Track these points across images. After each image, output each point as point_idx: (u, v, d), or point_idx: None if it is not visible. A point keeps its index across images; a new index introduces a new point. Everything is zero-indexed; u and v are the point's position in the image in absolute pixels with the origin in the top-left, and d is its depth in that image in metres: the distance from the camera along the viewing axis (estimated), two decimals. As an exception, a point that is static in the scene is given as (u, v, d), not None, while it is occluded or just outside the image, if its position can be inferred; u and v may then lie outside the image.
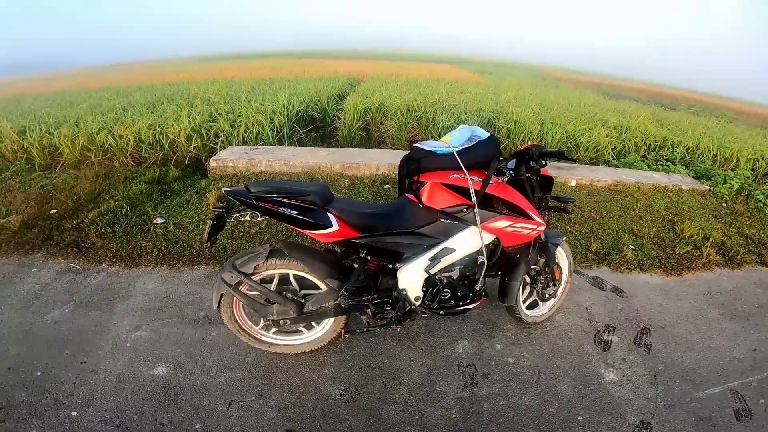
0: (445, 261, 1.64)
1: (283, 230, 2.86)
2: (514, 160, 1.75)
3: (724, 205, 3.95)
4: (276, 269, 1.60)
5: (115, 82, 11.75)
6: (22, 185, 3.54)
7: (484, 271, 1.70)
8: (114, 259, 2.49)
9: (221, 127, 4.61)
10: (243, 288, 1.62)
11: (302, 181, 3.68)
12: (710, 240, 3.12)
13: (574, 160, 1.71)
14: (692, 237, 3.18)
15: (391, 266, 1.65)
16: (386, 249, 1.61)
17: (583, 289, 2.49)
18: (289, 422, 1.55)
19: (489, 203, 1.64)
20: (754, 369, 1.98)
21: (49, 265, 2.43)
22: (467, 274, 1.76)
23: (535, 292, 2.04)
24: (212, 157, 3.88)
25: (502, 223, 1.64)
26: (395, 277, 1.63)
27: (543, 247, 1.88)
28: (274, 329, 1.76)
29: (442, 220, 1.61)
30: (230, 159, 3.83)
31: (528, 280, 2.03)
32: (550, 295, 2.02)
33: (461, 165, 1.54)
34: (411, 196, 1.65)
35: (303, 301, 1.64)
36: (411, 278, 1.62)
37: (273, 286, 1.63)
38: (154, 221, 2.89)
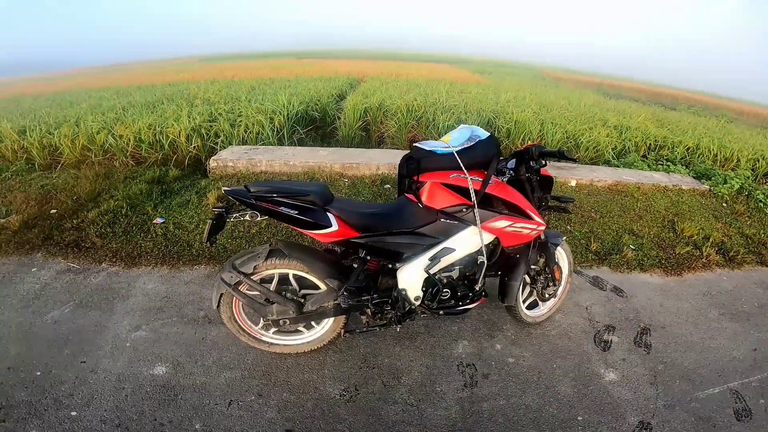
0: (445, 261, 1.64)
1: (282, 230, 2.86)
2: (514, 160, 1.75)
3: (724, 205, 3.95)
4: (276, 269, 1.60)
5: (115, 82, 11.75)
6: (22, 185, 3.54)
7: (483, 271, 1.69)
8: (114, 259, 2.49)
9: (221, 127, 4.61)
10: (243, 288, 1.62)
11: (302, 180, 3.68)
12: (710, 240, 3.12)
13: (574, 160, 1.71)
14: (692, 237, 3.17)
15: (390, 266, 1.64)
16: (386, 249, 1.60)
17: (583, 289, 2.48)
18: (289, 422, 1.55)
19: (489, 203, 1.64)
20: (754, 369, 1.97)
21: (49, 264, 2.43)
22: (467, 274, 1.76)
23: (535, 292, 2.04)
24: (212, 157, 3.88)
25: (501, 223, 1.64)
26: (395, 277, 1.63)
27: (543, 247, 1.87)
28: (273, 329, 1.76)
29: (442, 219, 1.61)
30: (230, 159, 3.83)
31: (528, 280, 2.03)
32: (550, 295, 2.02)
33: (461, 165, 1.53)
34: (411, 196, 1.65)
35: (303, 300, 1.64)
36: (411, 278, 1.62)
37: (273, 286, 1.62)
38: (154, 221, 2.89)
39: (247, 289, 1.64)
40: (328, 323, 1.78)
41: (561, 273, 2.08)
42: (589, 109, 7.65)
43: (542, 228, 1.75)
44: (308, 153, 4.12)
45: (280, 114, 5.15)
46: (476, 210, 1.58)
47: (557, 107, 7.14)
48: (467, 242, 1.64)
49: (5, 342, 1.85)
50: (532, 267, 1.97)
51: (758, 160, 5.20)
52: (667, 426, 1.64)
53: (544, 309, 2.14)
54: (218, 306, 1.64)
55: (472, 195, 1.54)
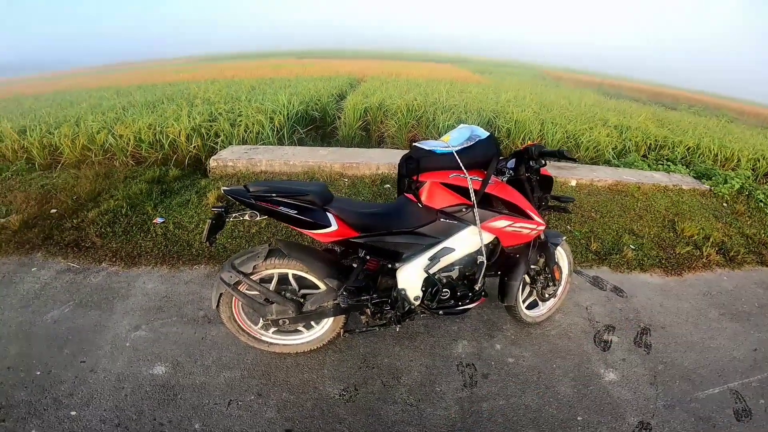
0: (445, 261, 1.63)
1: (282, 230, 2.86)
2: (513, 160, 1.75)
3: (724, 204, 3.94)
4: (275, 269, 1.60)
5: (115, 81, 11.75)
6: (22, 185, 3.54)
7: (483, 270, 1.69)
8: (114, 259, 2.49)
9: (221, 127, 4.61)
10: (242, 287, 1.62)
11: (302, 180, 3.68)
12: (711, 240, 3.12)
13: (574, 160, 1.71)
14: (693, 237, 3.17)
15: (390, 266, 1.64)
16: (385, 249, 1.60)
17: (583, 289, 2.48)
18: (288, 422, 1.55)
19: (488, 203, 1.64)
20: (754, 369, 1.97)
21: (49, 264, 2.44)
22: (467, 273, 1.76)
23: (534, 292, 2.03)
24: (212, 157, 3.88)
25: (501, 223, 1.64)
26: (394, 277, 1.63)
27: (543, 246, 1.87)
28: (273, 329, 1.76)
29: (442, 219, 1.60)
30: (230, 158, 3.83)
31: (528, 279, 2.03)
32: (549, 295, 2.02)
33: (461, 164, 1.53)
34: (410, 196, 1.64)
35: (302, 300, 1.64)
36: (410, 278, 1.62)
37: (272, 286, 1.62)
38: (154, 221, 2.89)
39: (246, 289, 1.64)
40: (327, 323, 1.78)
41: (561, 273, 2.08)
42: (589, 108, 7.64)
43: (542, 228, 1.75)
44: (308, 153, 4.12)
45: (280, 114, 5.15)
46: (476, 210, 1.57)
47: (557, 107, 7.13)
48: (467, 242, 1.64)
49: (5, 342, 1.86)
50: (532, 267, 1.97)
51: (759, 160, 5.19)
52: (666, 426, 1.64)
53: (543, 309, 2.14)
54: (218, 306, 1.64)
55: (472, 195, 1.54)
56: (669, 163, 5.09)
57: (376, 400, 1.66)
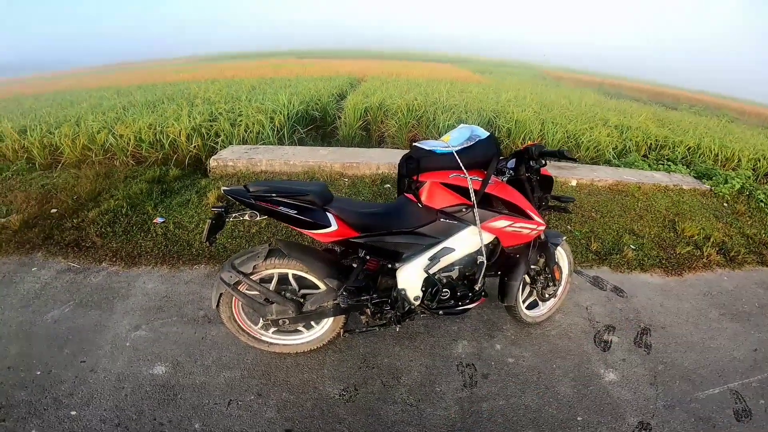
0: (445, 261, 1.63)
1: (282, 230, 2.86)
2: (513, 160, 1.75)
3: (725, 205, 3.94)
4: (275, 269, 1.60)
5: (115, 81, 11.75)
6: (22, 184, 3.55)
7: (483, 270, 1.69)
8: (114, 259, 2.49)
9: (221, 127, 4.61)
10: (242, 287, 1.62)
11: (302, 180, 3.68)
12: (711, 240, 3.12)
13: (575, 160, 1.71)
14: (693, 237, 3.17)
15: (390, 266, 1.64)
16: (385, 249, 1.60)
17: (583, 289, 2.48)
18: (288, 422, 1.55)
19: (488, 203, 1.64)
20: (754, 369, 1.97)
21: (49, 264, 2.44)
22: (467, 273, 1.76)
23: (534, 292, 2.03)
24: (212, 157, 3.88)
25: (501, 223, 1.64)
26: (394, 277, 1.63)
27: (543, 246, 1.87)
28: (273, 329, 1.76)
29: (442, 219, 1.60)
30: (230, 158, 3.83)
31: (528, 280, 2.03)
32: (549, 295, 2.02)
33: (461, 164, 1.53)
34: (410, 196, 1.64)
35: (302, 300, 1.64)
36: (410, 278, 1.62)
37: (272, 286, 1.62)
38: (154, 220, 2.89)
39: (246, 289, 1.64)
40: (327, 323, 1.78)
41: (561, 273, 2.08)
42: (589, 108, 7.63)
43: (542, 228, 1.75)
44: (308, 152, 4.12)
45: (281, 113, 5.15)
46: (476, 210, 1.57)
47: (558, 107, 7.12)
48: (467, 242, 1.63)
49: (5, 341, 1.86)
50: (532, 267, 1.97)
51: (759, 160, 5.18)
52: (666, 426, 1.64)
53: (544, 309, 2.14)
54: (218, 306, 1.64)
55: (472, 195, 1.54)
56: (669, 163, 5.09)
57: (376, 400, 1.66)
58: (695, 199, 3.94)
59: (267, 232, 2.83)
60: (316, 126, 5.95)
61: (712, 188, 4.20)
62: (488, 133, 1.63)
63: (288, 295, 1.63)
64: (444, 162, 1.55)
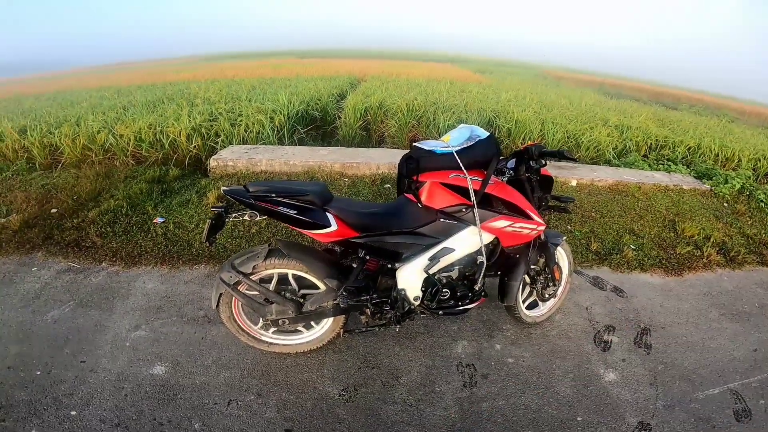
0: (445, 261, 1.63)
1: (282, 229, 2.86)
2: (513, 160, 1.75)
3: (725, 205, 3.94)
4: (275, 269, 1.60)
5: (115, 81, 11.75)
6: (22, 184, 3.55)
7: (483, 271, 1.69)
8: (114, 259, 2.49)
9: (221, 127, 4.61)
10: (242, 287, 1.62)
11: (302, 180, 3.68)
12: (711, 240, 3.12)
13: (575, 160, 1.71)
14: (693, 237, 3.17)
15: (390, 266, 1.64)
16: (385, 249, 1.60)
17: (583, 289, 2.48)
18: (288, 422, 1.55)
19: (488, 203, 1.64)
20: (754, 369, 1.97)
21: (50, 264, 2.44)
22: (466, 274, 1.76)
23: (534, 292, 2.03)
24: (212, 157, 3.88)
25: (501, 223, 1.64)
26: (394, 277, 1.63)
27: (543, 247, 1.87)
28: (273, 329, 1.76)
29: (442, 219, 1.60)
30: (230, 158, 3.83)
31: (528, 280, 2.02)
32: (549, 295, 2.02)
33: (460, 164, 1.53)
34: (410, 196, 1.64)
35: (302, 300, 1.64)
36: (410, 278, 1.62)
37: (272, 286, 1.62)
38: (154, 220, 2.89)
39: (246, 289, 1.64)
40: (327, 323, 1.78)
41: (561, 273, 2.08)
42: (590, 108, 7.63)
43: (542, 228, 1.75)
44: (308, 152, 4.12)
45: (281, 113, 5.15)
46: (476, 210, 1.57)
47: (558, 107, 7.12)
48: (467, 242, 1.63)
49: (5, 341, 1.86)
50: (532, 267, 1.97)
51: (759, 160, 5.18)
52: (666, 426, 1.64)
53: (543, 309, 2.14)
54: (217, 306, 1.64)
55: (472, 195, 1.54)
56: (670, 163, 5.08)
57: (375, 400, 1.66)
58: (695, 199, 3.94)
59: (267, 232, 2.83)
60: (316, 126, 5.95)
61: (713, 188, 4.20)
62: (488, 133, 1.63)
63: (288, 295, 1.63)
64: (444, 162, 1.55)
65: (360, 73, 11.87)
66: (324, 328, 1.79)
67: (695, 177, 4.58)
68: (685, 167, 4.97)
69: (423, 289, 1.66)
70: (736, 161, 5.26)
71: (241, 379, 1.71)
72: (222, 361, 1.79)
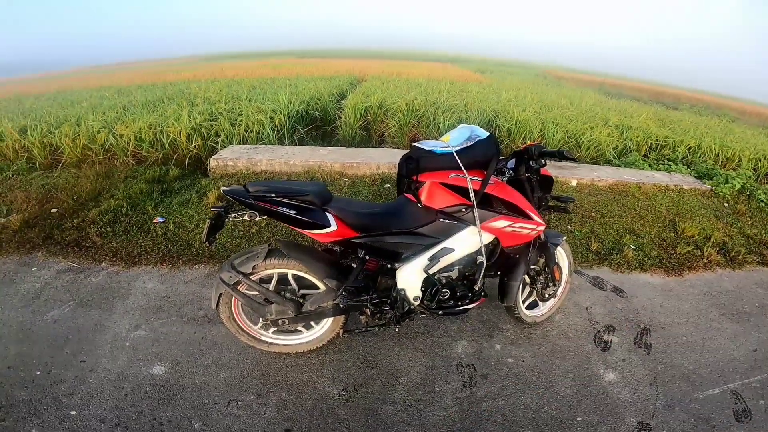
0: (444, 261, 1.63)
1: (282, 229, 2.86)
2: (513, 160, 1.75)
3: (725, 204, 3.93)
4: (274, 269, 1.60)
5: (116, 81, 11.76)
6: (22, 184, 3.55)
7: (483, 271, 1.69)
8: (114, 258, 2.50)
9: (222, 126, 4.61)
10: (241, 287, 1.62)
11: (302, 180, 3.68)
12: (711, 240, 3.11)
13: (575, 160, 1.71)
14: (693, 237, 3.16)
15: (389, 266, 1.64)
16: (385, 249, 1.60)
17: (583, 289, 2.48)
18: (288, 422, 1.55)
19: (488, 203, 1.64)
20: (754, 370, 1.97)
21: (50, 264, 2.44)
22: (466, 274, 1.76)
23: (534, 292, 2.03)
24: (212, 156, 3.88)
25: (501, 223, 1.64)
26: (394, 277, 1.63)
27: (543, 247, 1.87)
28: (272, 329, 1.76)
29: (441, 219, 1.60)
30: (230, 158, 3.83)
31: (528, 280, 2.02)
32: (549, 295, 2.01)
33: (460, 164, 1.53)
34: (410, 196, 1.64)
35: (302, 300, 1.64)
36: (410, 278, 1.62)
37: (272, 286, 1.62)
38: (155, 220, 2.90)
39: (246, 289, 1.64)
40: (327, 323, 1.78)
41: (561, 273, 2.08)
42: (590, 108, 7.63)
43: (542, 228, 1.75)
44: (308, 152, 4.12)
45: (281, 113, 5.15)
46: (475, 210, 1.57)
47: (558, 106, 7.12)
48: (466, 242, 1.63)
49: (5, 341, 1.86)
50: (532, 267, 1.97)
51: (760, 160, 5.17)
52: (666, 427, 1.63)
53: (543, 309, 2.13)
54: (217, 305, 1.64)
55: (472, 195, 1.54)
56: (670, 162, 5.08)
57: (375, 400, 1.66)
58: (696, 199, 3.94)
59: (267, 232, 2.83)
60: (316, 126, 5.95)
61: (713, 188, 4.20)
62: (488, 133, 1.63)
63: (287, 295, 1.63)
64: (444, 162, 1.55)
65: (360, 72, 11.87)
66: (324, 328, 1.79)
67: (696, 177, 4.58)
68: (686, 167, 4.96)
69: (423, 289, 1.66)
70: (736, 161, 5.25)
71: (240, 379, 1.71)
72: (222, 361, 1.79)
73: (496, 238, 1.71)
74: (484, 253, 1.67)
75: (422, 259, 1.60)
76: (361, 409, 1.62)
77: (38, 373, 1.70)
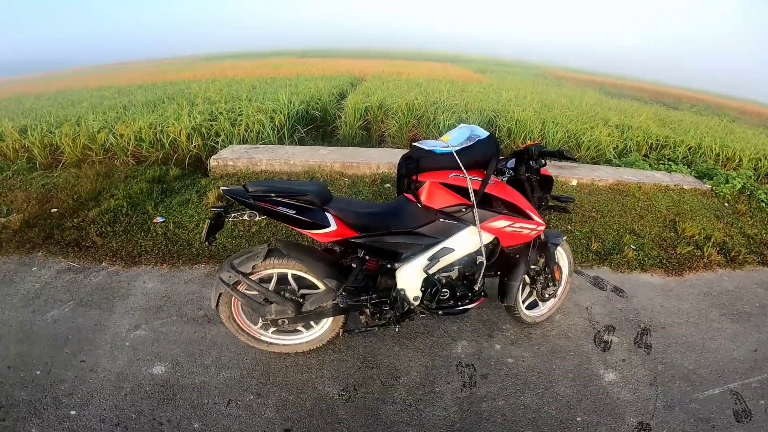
0: (444, 261, 1.63)
1: (282, 229, 2.86)
2: (513, 160, 1.75)
3: (726, 204, 3.93)
4: (274, 269, 1.60)
5: (116, 80, 11.76)
6: (23, 184, 3.55)
7: (483, 271, 1.69)
8: (114, 258, 2.50)
9: (222, 126, 4.62)
10: (241, 287, 1.62)
11: (302, 180, 3.68)
12: (712, 240, 3.11)
13: (575, 160, 1.71)
14: (694, 237, 3.16)
15: (389, 266, 1.64)
16: (385, 249, 1.60)
17: (583, 289, 2.48)
18: (288, 422, 1.55)
19: (488, 203, 1.63)
20: (754, 370, 1.97)
21: (50, 263, 2.44)
22: (466, 274, 1.76)
23: (534, 292, 2.03)
24: (213, 156, 3.88)
25: (501, 223, 1.64)
26: (394, 277, 1.63)
27: (543, 246, 1.87)
28: (272, 328, 1.76)
29: (441, 219, 1.60)
30: (231, 158, 3.83)
31: (528, 280, 2.02)
32: (549, 295, 2.01)
33: (460, 164, 1.53)
34: (410, 196, 1.64)
35: (301, 300, 1.64)
36: (410, 278, 1.62)
37: (271, 286, 1.62)
38: (155, 220, 2.90)
39: (245, 289, 1.64)
40: (326, 323, 1.78)
41: (561, 273, 2.08)
42: (590, 108, 7.63)
43: (542, 228, 1.74)
44: (308, 152, 4.12)
45: (281, 113, 5.15)
46: (475, 210, 1.57)
47: (558, 106, 7.12)
48: (466, 242, 1.63)
49: (5, 341, 1.86)
50: (532, 267, 1.96)
51: (760, 160, 5.17)
52: (666, 427, 1.63)
53: (543, 309, 2.13)
54: (217, 305, 1.64)
55: (471, 195, 1.54)
56: (670, 162, 5.08)
57: (375, 400, 1.66)
58: (696, 199, 3.94)
59: (267, 232, 2.83)
60: (316, 125, 5.95)
61: (713, 188, 4.19)
62: (488, 133, 1.63)
63: (287, 295, 1.63)
64: (443, 162, 1.55)
65: (360, 72, 11.86)
66: (323, 327, 1.79)
67: (696, 177, 4.57)
68: (686, 167, 4.96)
69: (422, 289, 1.66)
70: (737, 161, 5.25)
71: (240, 378, 1.71)
72: (221, 361, 1.79)
73: (496, 238, 1.71)
74: (484, 253, 1.67)
75: (422, 259, 1.60)
76: (360, 409, 1.62)
77: (38, 372, 1.70)
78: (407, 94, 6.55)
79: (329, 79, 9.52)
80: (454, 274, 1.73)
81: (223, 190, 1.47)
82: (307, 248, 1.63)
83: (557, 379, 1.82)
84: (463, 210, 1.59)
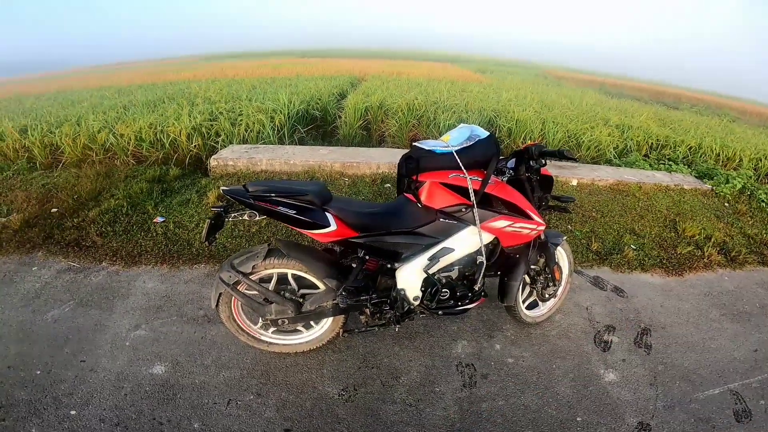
0: (444, 261, 1.63)
1: (282, 229, 2.86)
2: (513, 160, 1.74)
3: (726, 204, 3.93)
4: (274, 268, 1.59)
5: (116, 80, 11.76)
6: (23, 184, 3.55)
7: (483, 271, 1.69)
8: (114, 258, 2.50)
9: (222, 126, 4.62)
10: (241, 287, 1.62)
11: (302, 180, 3.68)
12: (712, 240, 3.11)
13: (575, 160, 1.71)
14: (694, 237, 3.16)
15: (389, 266, 1.64)
16: (385, 249, 1.60)
17: (583, 289, 2.48)
18: (288, 421, 1.55)
19: (488, 203, 1.63)
20: (754, 370, 1.96)
21: (50, 263, 2.44)
22: (466, 273, 1.76)
23: (534, 292, 2.03)
24: (213, 156, 3.88)
25: (501, 223, 1.64)
26: (394, 277, 1.63)
27: (543, 246, 1.87)
28: (272, 328, 1.76)
29: (441, 219, 1.60)
30: (231, 158, 3.83)
31: (528, 280, 2.02)
32: (549, 295, 2.01)
33: (460, 164, 1.53)
34: (410, 196, 1.64)
35: (301, 300, 1.64)
36: (410, 278, 1.61)
37: (271, 286, 1.62)
38: (155, 220, 2.90)
39: (245, 289, 1.64)
40: (326, 323, 1.78)
41: (561, 273, 2.08)
42: (590, 108, 7.62)
43: (542, 228, 1.74)
44: (309, 152, 4.12)
45: (281, 113, 5.15)
46: (475, 210, 1.57)
47: (559, 106, 7.12)
48: (466, 242, 1.63)
49: (5, 341, 1.86)
50: (532, 267, 1.96)
51: (761, 160, 5.17)
52: (666, 427, 1.63)
53: (543, 309, 2.13)
54: (217, 305, 1.64)
55: (471, 195, 1.54)
56: (671, 162, 5.08)
57: (375, 400, 1.66)
58: (696, 199, 3.93)
59: (267, 232, 2.83)
60: (316, 125, 5.95)
61: (714, 188, 4.19)
62: (488, 133, 1.63)
63: (287, 294, 1.63)
64: (444, 162, 1.55)
65: (360, 72, 11.86)
66: (323, 327, 1.79)
67: (696, 177, 4.57)
68: (686, 167, 4.96)
69: (422, 289, 1.66)
70: (737, 161, 5.25)
71: (240, 378, 1.71)
72: (221, 361, 1.79)
73: (496, 238, 1.71)
74: (484, 253, 1.67)
75: (422, 259, 1.60)
76: (360, 409, 1.62)
77: (38, 372, 1.70)
78: (407, 94, 6.55)
79: (329, 78, 9.52)
80: (454, 274, 1.73)
81: (223, 189, 1.47)
82: (307, 248, 1.63)
83: (557, 379, 1.82)
84: (463, 210, 1.59)
